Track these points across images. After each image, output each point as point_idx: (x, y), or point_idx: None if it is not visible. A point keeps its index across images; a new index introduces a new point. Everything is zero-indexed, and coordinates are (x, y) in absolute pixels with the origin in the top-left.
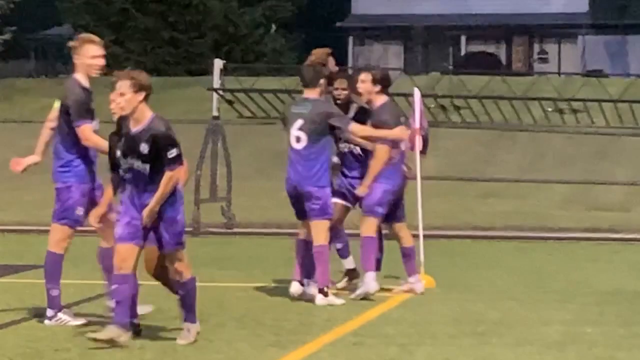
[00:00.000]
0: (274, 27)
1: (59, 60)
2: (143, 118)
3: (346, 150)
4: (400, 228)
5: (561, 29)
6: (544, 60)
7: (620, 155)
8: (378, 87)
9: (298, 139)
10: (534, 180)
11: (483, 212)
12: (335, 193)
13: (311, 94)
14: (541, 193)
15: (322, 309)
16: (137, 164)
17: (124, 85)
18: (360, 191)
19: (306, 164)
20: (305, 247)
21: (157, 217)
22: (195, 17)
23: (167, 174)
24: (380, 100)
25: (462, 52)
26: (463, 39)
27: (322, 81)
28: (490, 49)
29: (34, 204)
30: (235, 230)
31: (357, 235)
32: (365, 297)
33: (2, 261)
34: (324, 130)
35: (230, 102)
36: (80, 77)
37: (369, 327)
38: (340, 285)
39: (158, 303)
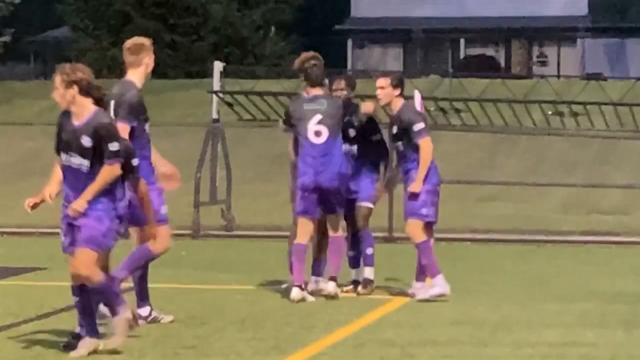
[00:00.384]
0: (273, 30)
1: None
2: (84, 112)
3: (345, 150)
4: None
5: (560, 32)
6: (543, 64)
7: (621, 158)
8: (398, 91)
9: (318, 133)
10: (534, 184)
11: (483, 216)
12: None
13: (320, 91)
14: (541, 197)
15: (322, 312)
16: (77, 161)
17: (56, 80)
18: (414, 188)
19: (327, 158)
20: (321, 246)
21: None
22: (194, 20)
23: (106, 167)
24: (400, 102)
25: (461, 56)
26: (462, 42)
27: (326, 80)
28: (490, 52)
29: None
30: (235, 233)
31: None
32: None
33: (2, 263)
34: (340, 125)
35: (230, 105)
36: (136, 80)
37: (369, 330)
38: (346, 289)
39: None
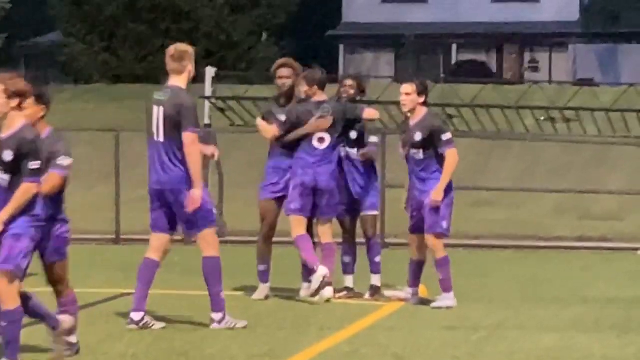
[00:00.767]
0: (265, 35)
1: (50, 68)
2: (13, 125)
3: (342, 154)
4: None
5: (552, 37)
6: (535, 69)
7: (613, 164)
8: (422, 98)
9: (322, 140)
10: (527, 189)
11: (476, 221)
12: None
13: (324, 96)
14: (534, 202)
15: (315, 317)
16: None
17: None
18: (437, 196)
19: (327, 164)
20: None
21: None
22: (186, 25)
23: (24, 185)
24: (423, 109)
25: (453, 61)
26: (454, 47)
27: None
28: (481, 57)
29: None
30: (227, 238)
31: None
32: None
33: None
34: (340, 129)
35: (222, 110)
36: (182, 86)
37: (363, 336)
38: (339, 295)
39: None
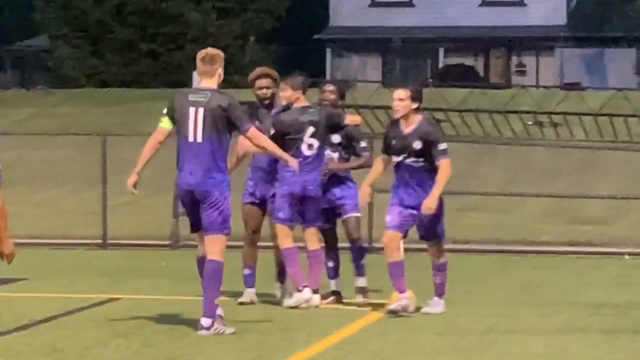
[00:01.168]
0: (252, 39)
1: (35, 71)
2: None
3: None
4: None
5: (539, 41)
6: (521, 73)
7: (601, 168)
8: (416, 104)
9: (311, 147)
10: (515, 194)
11: (464, 226)
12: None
13: (306, 101)
14: (522, 207)
15: (304, 322)
16: None
17: None
18: (432, 205)
19: (314, 170)
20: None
21: None
22: (174, 29)
23: None
24: (417, 116)
25: (440, 65)
26: (441, 51)
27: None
28: (468, 61)
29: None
30: None
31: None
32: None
33: None
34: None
35: None
36: (217, 88)
37: (351, 342)
38: (326, 301)
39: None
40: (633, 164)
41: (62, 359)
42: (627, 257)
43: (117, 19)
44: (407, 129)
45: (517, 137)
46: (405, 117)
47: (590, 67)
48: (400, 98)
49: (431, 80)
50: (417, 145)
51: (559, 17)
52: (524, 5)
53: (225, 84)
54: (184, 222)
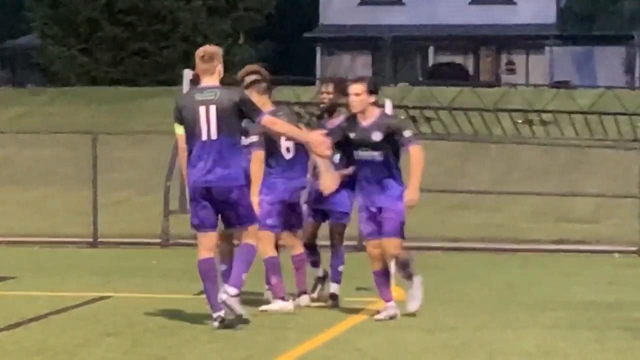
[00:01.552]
0: (242, 37)
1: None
2: None
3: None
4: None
5: (529, 40)
6: (511, 71)
7: (591, 167)
8: (373, 98)
9: (288, 150)
10: (505, 192)
11: (454, 224)
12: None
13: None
14: (512, 205)
15: (294, 321)
16: None
17: None
18: (414, 197)
19: (293, 173)
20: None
21: None
22: (164, 27)
23: None
24: (375, 109)
25: (430, 63)
26: (431, 49)
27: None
28: (458, 59)
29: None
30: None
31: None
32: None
33: None
34: None
35: None
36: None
37: (342, 340)
38: (314, 295)
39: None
40: (622, 163)
41: (52, 357)
42: (616, 255)
43: (107, 17)
44: (365, 121)
45: (506, 135)
46: (363, 111)
47: (580, 65)
48: (356, 93)
49: (421, 78)
50: (377, 136)
51: (549, 16)
52: (514, 3)
53: None
54: (175, 221)
